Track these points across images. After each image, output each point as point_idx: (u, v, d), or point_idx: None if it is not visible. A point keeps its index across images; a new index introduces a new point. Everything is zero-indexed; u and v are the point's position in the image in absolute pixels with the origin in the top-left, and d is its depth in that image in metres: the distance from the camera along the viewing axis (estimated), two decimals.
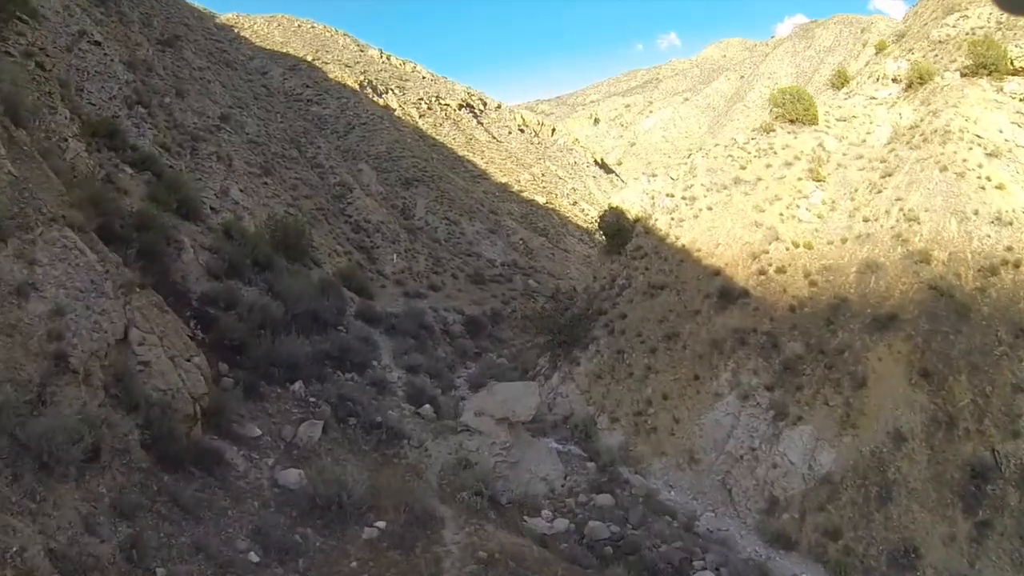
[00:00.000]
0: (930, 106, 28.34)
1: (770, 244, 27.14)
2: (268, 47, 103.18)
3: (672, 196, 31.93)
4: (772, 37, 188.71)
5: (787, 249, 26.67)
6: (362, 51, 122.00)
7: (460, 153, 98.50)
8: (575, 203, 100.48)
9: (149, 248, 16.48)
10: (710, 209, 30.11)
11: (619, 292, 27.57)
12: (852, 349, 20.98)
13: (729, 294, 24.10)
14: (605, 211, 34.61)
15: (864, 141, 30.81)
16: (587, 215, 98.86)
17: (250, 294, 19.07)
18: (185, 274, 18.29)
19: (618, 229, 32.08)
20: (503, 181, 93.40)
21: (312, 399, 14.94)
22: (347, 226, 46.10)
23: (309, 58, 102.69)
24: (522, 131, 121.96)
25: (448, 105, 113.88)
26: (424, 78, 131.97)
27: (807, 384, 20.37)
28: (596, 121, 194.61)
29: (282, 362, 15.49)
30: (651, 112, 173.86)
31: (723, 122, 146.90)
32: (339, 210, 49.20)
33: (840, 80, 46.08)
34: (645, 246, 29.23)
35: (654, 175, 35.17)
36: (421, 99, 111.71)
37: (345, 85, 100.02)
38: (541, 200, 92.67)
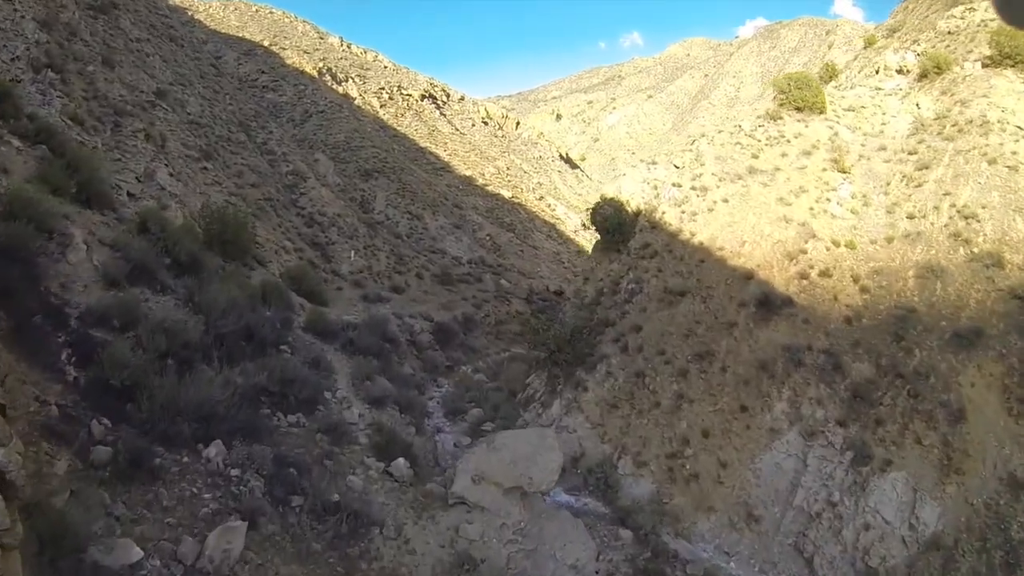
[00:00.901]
0: (954, 96, 26.73)
1: (806, 243, 23.04)
2: (223, 31, 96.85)
3: (679, 186, 27.58)
4: (736, 38, 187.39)
5: (827, 249, 22.73)
6: (322, 38, 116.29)
7: (422, 144, 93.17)
8: (541, 198, 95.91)
9: (13, 244, 11.28)
10: (726, 201, 25.93)
11: (627, 298, 22.91)
12: (938, 372, 16.78)
13: (770, 302, 19.66)
14: (599, 203, 29.92)
15: (882, 132, 28.09)
16: (554, 211, 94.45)
17: (160, 307, 13.95)
18: (68, 280, 13.05)
19: (618, 224, 27.42)
20: (467, 174, 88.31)
21: (235, 471, 9.84)
22: (299, 219, 40.61)
23: (266, 43, 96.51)
24: (486, 124, 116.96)
25: (410, 95, 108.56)
26: (386, 67, 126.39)
27: (889, 417, 16.00)
28: (558, 117, 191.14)
29: (192, 411, 10.32)
30: (614, 108, 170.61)
31: (688, 119, 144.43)
32: (291, 201, 43.59)
33: (828, 73, 42.99)
34: (654, 243, 24.72)
35: (654, 163, 30.65)
36: (382, 88, 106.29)
37: (303, 72, 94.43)
38: (507, 194, 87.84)
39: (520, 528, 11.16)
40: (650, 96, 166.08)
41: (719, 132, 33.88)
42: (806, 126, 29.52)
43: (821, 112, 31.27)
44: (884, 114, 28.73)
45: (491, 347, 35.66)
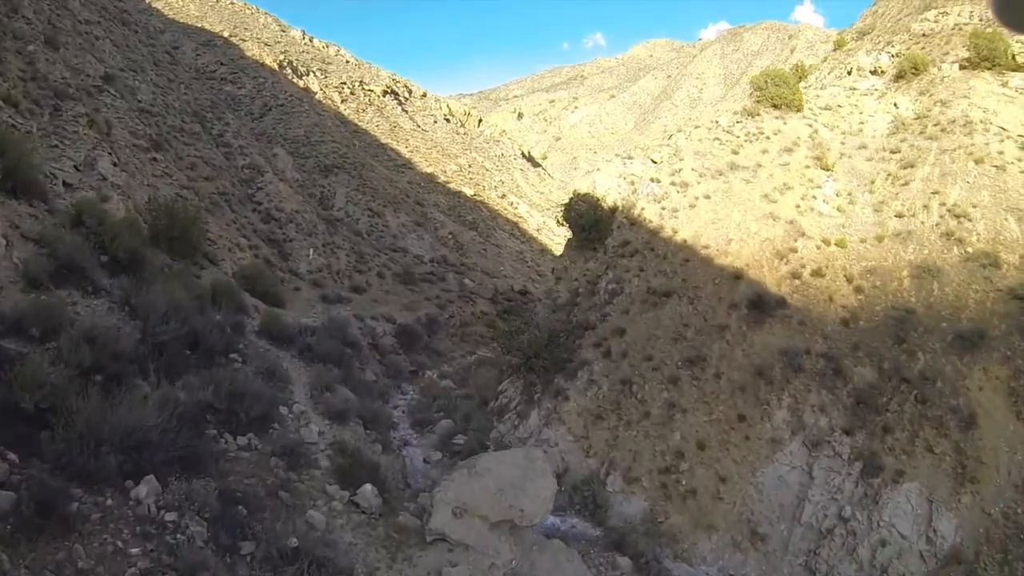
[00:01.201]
0: (933, 96, 26.82)
1: (796, 241, 22.11)
2: (182, 20, 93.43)
3: (658, 181, 26.42)
4: (699, 40, 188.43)
5: (818, 248, 21.89)
6: (283, 31, 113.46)
7: (383, 141, 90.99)
8: (503, 196, 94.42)
9: None
10: (708, 198, 24.91)
11: (608, 299, 21.53)
12: (944, 376, 15.82)
13: (763, 304, 18.48)
14: (573, 199, 28.55)
15: (860, 130, 27.89)
16: (516, 209, 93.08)
17: (89, 312, 12.06)
18: None
19: (594, 220, 26.10)
20: (429, 171, 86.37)
21: (170, 515, 8.05)
22: (255, 215, 38.32)
23: (226, 34, 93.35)
24: (448, 121, 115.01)
25: (372, 91, 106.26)
26: (348, 62, 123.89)
27: (897, 424, 14.93)
28: (520, 116, 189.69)
29: (120, 439, 8.48)
30: (576, 108, 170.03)
31: (650, 119, 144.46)
32: (247, 196, 41.21)
33: (798, 73, 42.83)
34: (634, 241, 23.46)
35: (630, 157, 29.38)
36: (344, 83, 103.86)
37: (263, 64, 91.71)
38: (469, 192, 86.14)
39: (511, 568, 9.58)
40: (612, 96, 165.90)
41: (696, 128, 32.91)
42: (785, 123, 28.90)
43: (798, 110, 29.82)
44: (861, 113, 28.53)
45: (456, 350, 34.00)
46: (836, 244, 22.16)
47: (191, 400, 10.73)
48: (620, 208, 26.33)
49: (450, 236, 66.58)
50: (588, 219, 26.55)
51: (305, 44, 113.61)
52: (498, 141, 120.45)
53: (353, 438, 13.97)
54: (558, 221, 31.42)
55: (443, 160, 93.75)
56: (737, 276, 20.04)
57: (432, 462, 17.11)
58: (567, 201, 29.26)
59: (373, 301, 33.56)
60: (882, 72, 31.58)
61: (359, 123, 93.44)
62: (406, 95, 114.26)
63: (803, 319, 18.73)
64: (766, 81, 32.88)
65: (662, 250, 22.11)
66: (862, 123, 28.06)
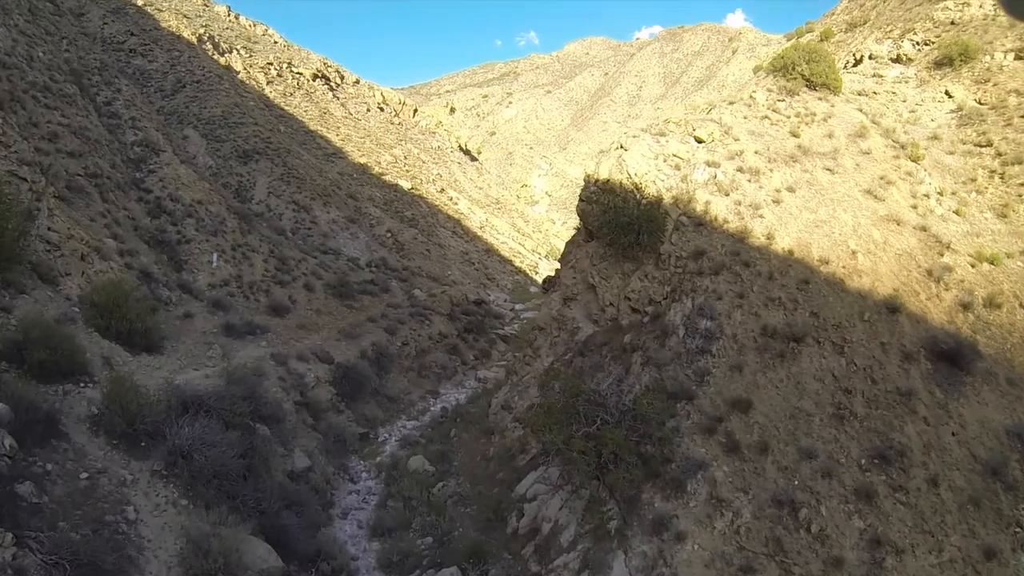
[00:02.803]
0: (1000, 86, 23.41)
1: (941, 255, 14.90)
2: None
3: (716, 166, 19.27)
4: (636, 39, 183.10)
5: (972, 266, 14.77)
6: (206, 5, 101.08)
7: (312, 127, 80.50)
8: (442, 190, 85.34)
9: None
10: (791, 190, 17.66)
11: (702, 345, 13.52)
12: None
13: (955, 355, 10.88)
14: (590, 187, 20.80)
15: (917, 119, 23.40)
16: (456, 204, 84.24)
17: None
18: None
19: (637, 218, 18.18)
20: (362, 161, 76.51)
21: None
22: (140, 206, 28.45)
23: (139, 2, 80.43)
24: (382, 110, 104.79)
25: (301, 74, 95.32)
26: (276, 43, 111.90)
27: None
28: (452, 110, 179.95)
29: None
30: (511, 103, 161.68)
31: (588, 116, 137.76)
32: (132, 181, 31.07)
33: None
34: (711, 250, 15.97)
35: (662, 133, 21.59)
36: (271, 64, 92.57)
37: (180, 37, 79.78)
38: (406, 185, 76.76)
39: None
40: (548, 91, 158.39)
41: (731, 103, 25.72)
42: (832, 105, 23.48)
43: (837, 92, 24.69)
44: (905, 101, 24.68)
45: (415, 390, 25.32)
46: (989, 261, 15.01)
47: None
48: (670, 201, 18.65)
49: (388, 234, 57.27)
50: (626, 215, 18.69)
51: (230, 20, 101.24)
52: (434, 133, 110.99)
53: None
54: (555, 214, 22.56)
55: (377, 150, 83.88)
56: (891, 308, 12.52)
57: None
58: (582, 191, 21.31)
59: (299, 328, 24.34)
60: (908, 60, 28.19)
61: (286, 107, 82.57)
62: (338, 80, 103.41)
63: (1009, 376, 11.23)
64: (800, 57, 26.11)
65: (762, 266, 14.48)
66: (913, 111, 23.87)
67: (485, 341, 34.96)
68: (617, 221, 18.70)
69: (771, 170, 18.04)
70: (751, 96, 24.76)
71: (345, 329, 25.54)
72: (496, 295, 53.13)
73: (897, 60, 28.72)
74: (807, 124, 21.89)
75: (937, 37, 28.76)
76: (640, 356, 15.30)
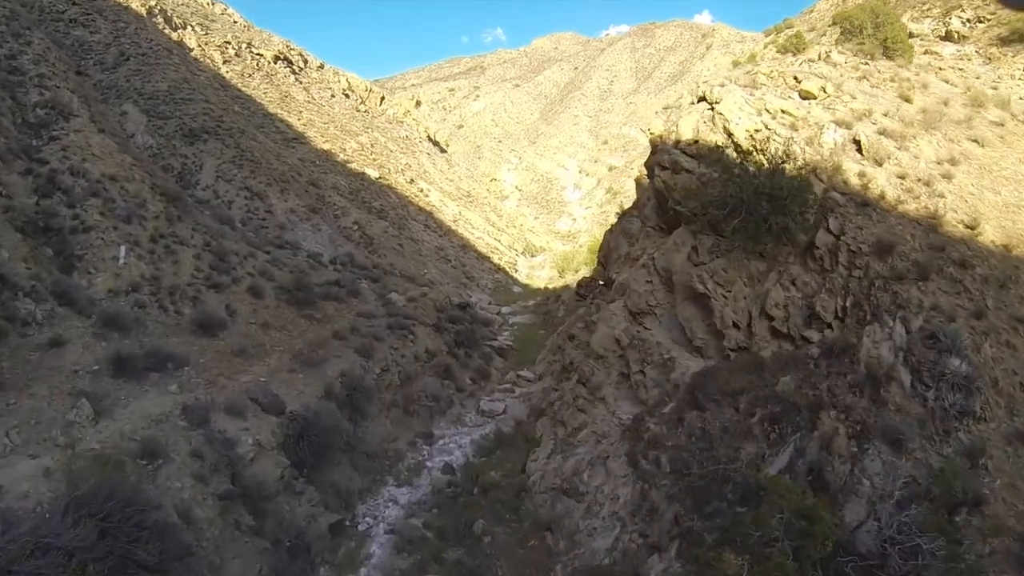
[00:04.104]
0: None
1: None
2: None
3: (845, 126, 12.34)
4: (606, 35, 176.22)
5: None
6: None
7: (272, 110, 71.55)
8: (412, 181, 77.19)
9: None
10: (954, 164, 10.61)
11: (956, 406, 6.19)
12: None
13: None
14: (671, 149, 13.82)
15: (1004, 97, 18.28)
16: (427, 196, 76.15)
17: None
18: None
19: (772, 193, 10.73)
20: (325, 148, 67.96)
21: None
22: (26, 181, 20.24)
23: None
24: (347, 96, 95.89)
25: (261, 55, 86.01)
26: (236, 23, 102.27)
27: None
28: (417, 104, 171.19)
29: None
30: (478, 96, 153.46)
31: (558, 109, 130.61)
32: (25, 149, 22.70)
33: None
34: (900, 243, 8.72)
35: (753, 86, 14.57)
36: (228, 43, 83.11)
37: (127, 8, 70.47)
38: (373, 174, 68.46)
39: None
40: (517, 85, 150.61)
41: (811, 61, 18.93)
42: (916, 73, 19.43)
43: (910, 60, 20.74)
44: (979, 78, 20.77)
45: (402, 435, 17.71)
46: None
47: None
48: (810, 168, 11.59)
49: (355, 227, 49.11)
50: (734, 191, 11.52)
51: None
52: (402, 122, 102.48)
53: None
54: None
55: (342, 137, 75.23)
56: None
57: None
58: (655, 158, 14.20)
59: (236, 354, 16.44)
60: (963, 37, 25.30)
61: (243, 88, 73.38)
62: (301, 64, 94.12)
63: None
64: (866, 20, 21.33)
65: (982, 267, 7.66)
66: (994, 87, 19.78)
67: (480, 356, 27.40)
68: (740, 198, 11.42)
69: (914, 136, 11.40)
70: (826, 54, 18.03)
71: (303, 352, 17.69)
72: (478, 296, 45.55)
73: (947, 38, 25.68)
74: (911, 89, 15.72)
75: (992, 14, 25.68)
76: (833, 418, 8.02)
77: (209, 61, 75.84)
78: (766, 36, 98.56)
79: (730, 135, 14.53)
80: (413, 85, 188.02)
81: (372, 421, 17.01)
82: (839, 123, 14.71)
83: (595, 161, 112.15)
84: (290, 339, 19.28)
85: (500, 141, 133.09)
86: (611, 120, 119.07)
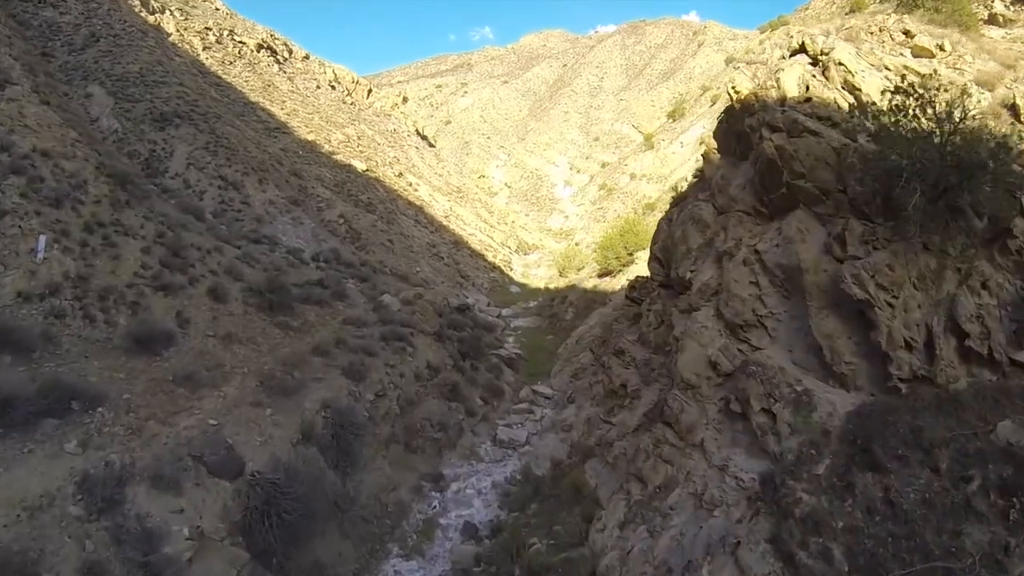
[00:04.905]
0: None
1: None
2: None
3: (987, 87, 7.51)
4: (595, 32, 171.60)
5: None
6: None
7: (253, 99, 66.37)
8: (400, 175, 72.46)
9: None
10: None
11: None
12: None
13: None
14: (772, 108, 9.54)
15: None
16: (416, 191, 71.40)
17: None
18: None
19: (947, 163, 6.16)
20: (309, 138, 63.04)
21: None
22: None
23: None
24: (333, 88, 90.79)
25: (244, 43, 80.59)
26: (218, 10, 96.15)
27: None
28: (404, 99, 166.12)
29: None
30: (467, 92, 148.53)
31: (547, 106, 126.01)
32: None
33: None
34: None
35: (854, 40, 10.34)
36: (209, 29, 77.64)
37: None
38: (360, 166, 63.66)
39: None
40: (506, 82, 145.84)
41: (881, 29, 14.53)
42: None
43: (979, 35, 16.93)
44: None
45: (404, 481, 13.31)
46: None
47: None
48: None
49: (341, 220, 44.43)
50: (944, 153, 6.84)
51: None
52: (389, 115, 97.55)
53: None
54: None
55: (327, 128, 70.29)
56: None
57: None
58: (753, 118, 9.88)
59: (180, 383, 11.82)
60: (1009, 21, 21.85)
61: (223, 75, 68.10)
62: (286, 54, 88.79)
63: None
64: None
65: None
66: None
67: (487, 369, 23.03)
68: (915, 168, 7.04)
69: None
70: (898, 18, 13.95)
71: (274, 375, 13.22)
72: (475, 297, 41.13)
73: (991, 22, 22.32)
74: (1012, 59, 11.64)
75: None
76: None
77: (188, 47, 70.48)
78: (761, 32, 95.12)
79: (854, 90, 10.32)
80: (399, 82, 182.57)
81: (365, 468, 12.60)
82: (980, 84, 10.71)
83: (587, 158, 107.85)
84: (258, 356, 14.76)
85: (489, 138, 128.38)
86: (602, 117, 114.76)
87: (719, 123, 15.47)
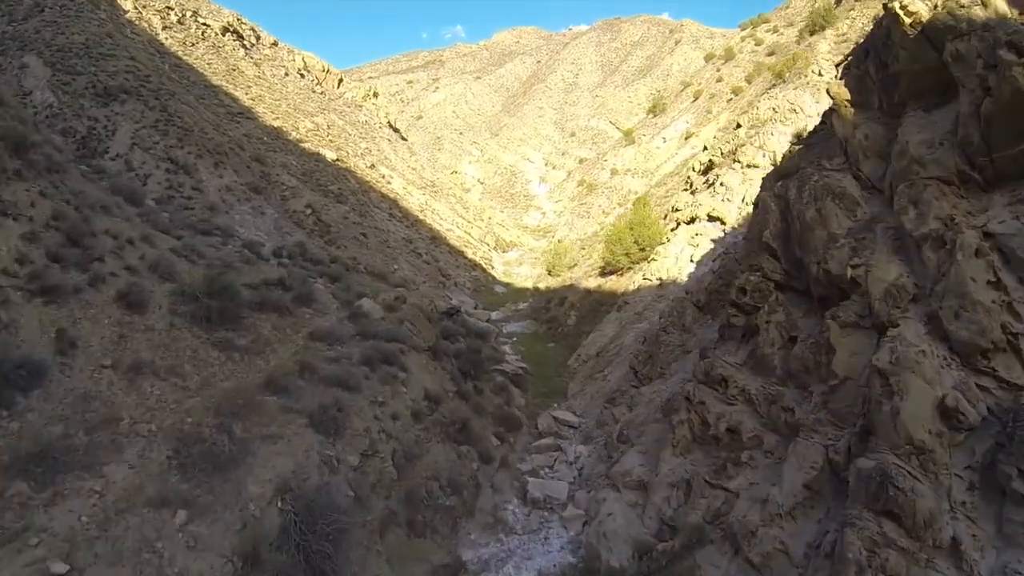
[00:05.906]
0: None
1: None
2: None
3: None
4: (569, 30, 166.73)
5: None
6: None
7: (216, 82, 60.02)
8: (372, 166, 66.78)
9: None
10: None
11: None
12: None
13: None
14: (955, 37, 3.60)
15: None
16: (390, 183, 65.81)
17: None
18: None
19: None
20: (275, 125, 57.02)
21: None
22: None
23: None
24: (302, 76, 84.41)
25: (208, 25, 73.84)
26: None
27: None
28: (375, 95, 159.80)
29: None
30: (438, 87, 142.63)
31: (521, 102, 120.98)
32: None
33: None
34: None
35: None
36: (170, 8, 70.81)
37: None
38: (330, 155, 57.91)
39: None
40: (478, 77, 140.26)
41: None
42: None
43: None
44: None
45: None
46: None
47: None
48: None
49: (308, 211, 38.82)
50: None
51: None
52: (361, 106, 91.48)
53: None
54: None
55: (295, 115, 64.20)
56: None
57: None
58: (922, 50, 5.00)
59: (21, 466, 6.87)
60: None
61: (184, 56, 61.61)
62: (253, 40, 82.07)
63: None
64: None
65: None
66: None
67: (492, 390, 18.04)
68: None
69: None
70: None
71: (199, 436, 8.05)
72: (459, 298, 36.01)
73: None
74: None
75: None
76: None
77: (146, 24, 63.72)
78: (741, 30, 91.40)
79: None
80: (370, 78, 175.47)
81: (361, 560, 7.48)
82: None
83: (563, 154, 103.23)
84: (181, 398, 9.53)
85: (461, 133, 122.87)
86: (578, 113, 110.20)
87: (847, 68, 10.78)
